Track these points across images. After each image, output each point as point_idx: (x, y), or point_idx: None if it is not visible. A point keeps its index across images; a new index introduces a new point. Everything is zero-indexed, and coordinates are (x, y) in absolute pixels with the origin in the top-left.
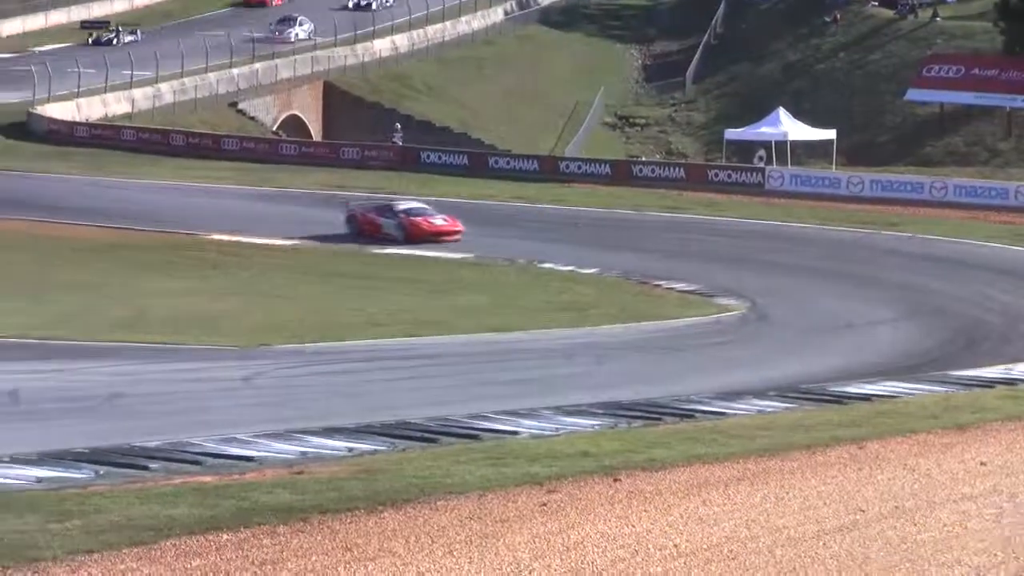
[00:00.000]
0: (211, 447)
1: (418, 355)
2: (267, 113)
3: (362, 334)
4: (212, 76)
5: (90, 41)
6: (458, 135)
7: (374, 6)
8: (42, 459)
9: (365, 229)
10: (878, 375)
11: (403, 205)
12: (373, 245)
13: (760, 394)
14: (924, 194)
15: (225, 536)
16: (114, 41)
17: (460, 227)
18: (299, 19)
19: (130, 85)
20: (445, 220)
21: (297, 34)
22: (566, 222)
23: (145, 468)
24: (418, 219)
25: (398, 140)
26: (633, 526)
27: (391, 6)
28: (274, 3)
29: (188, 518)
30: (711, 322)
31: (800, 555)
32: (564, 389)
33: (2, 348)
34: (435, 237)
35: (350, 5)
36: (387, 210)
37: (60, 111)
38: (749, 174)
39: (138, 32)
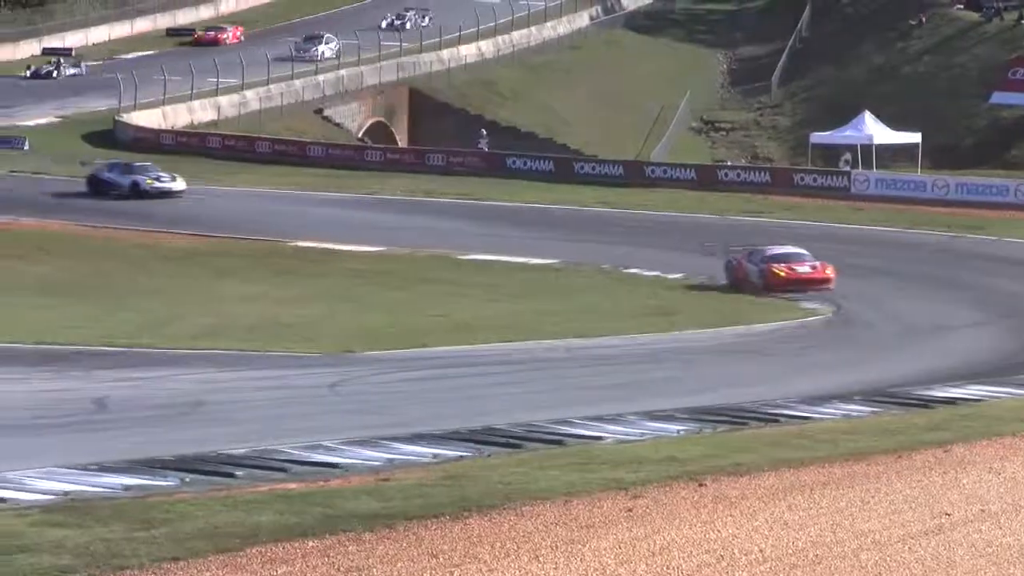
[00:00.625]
0: (297, 454)
1: (505, 361)
2: (352, 120)
3: (448, 340)
4: (298, 83)
5: (27, 74)
6: (543, 140)
7: (408, 26)
8: (129, 467)
9: (739, 277)
10: (964, 378)
11: (772, 250)
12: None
13: (845, 398)
14: (1009, 197)
15: (311, 543)
16: (54, 74)
17: (830, 274)
18: (325, 36)
19: (216, 92)
20: (813, 267)
21: (323, 52)
22: (652, 227)
23: (231, 475)
24: (778, 266)
25: (484, 146)
26: (718, 531)
27: (426, 26)
28: (228, 42)
29: (274, 525)
30: (796, 326)
31: (885, 559)
32: (651, 394)
33: (90, 356)
34: (798, 286)
35: (383, 24)
36: (755, 255)
37: (146, 119)
38: (835, 178)
39: (83, 66)
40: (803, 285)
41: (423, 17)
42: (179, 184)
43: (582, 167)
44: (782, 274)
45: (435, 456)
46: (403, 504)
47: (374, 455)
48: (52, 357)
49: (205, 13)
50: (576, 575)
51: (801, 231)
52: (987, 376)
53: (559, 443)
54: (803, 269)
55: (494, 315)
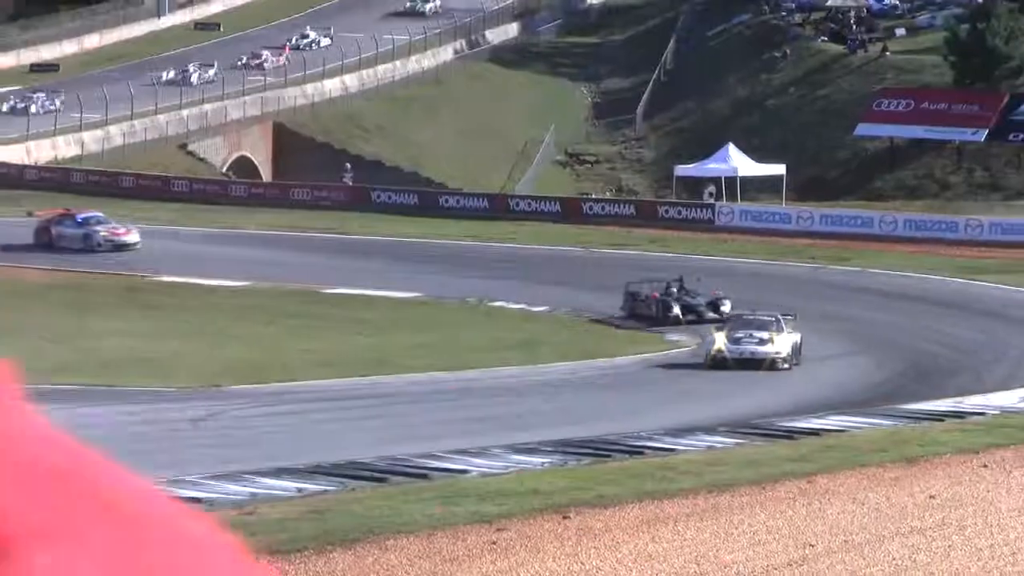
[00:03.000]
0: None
1: (369, 395)
2: (217, 154)
3: (312, 374)
4: (162, 118)
5: None
6: (408, 174)
7: (32, 109)
8: None
9: None
10: (828, 409)
11: None
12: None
13: (710, 430)
14: (874, 228)
15: None
16: None
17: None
18: None
19: (80, 128)
20: None
21: None
22: (515, 260)
23: None
24: None
25: (348, 180)
26: (582, 563)
27: (58, 109)
28: None
29: None
30: (660, 358)
31: None
32: (515, 427)
33: None
34: None
35: (10, 107)
36: None
37: (9, 154)
38: (699, 210)
39: None
40: None
41: (54, 101)
42: None
43: (447, 200)
44: None
45: (299, 490)
46: (267, 539)
47: (238, 489)
48: None
49: (69, 48)
50: None
51: (665, 263)
52: (851, 407)
53: (424, 476)
54: None
55: (359, 349)
